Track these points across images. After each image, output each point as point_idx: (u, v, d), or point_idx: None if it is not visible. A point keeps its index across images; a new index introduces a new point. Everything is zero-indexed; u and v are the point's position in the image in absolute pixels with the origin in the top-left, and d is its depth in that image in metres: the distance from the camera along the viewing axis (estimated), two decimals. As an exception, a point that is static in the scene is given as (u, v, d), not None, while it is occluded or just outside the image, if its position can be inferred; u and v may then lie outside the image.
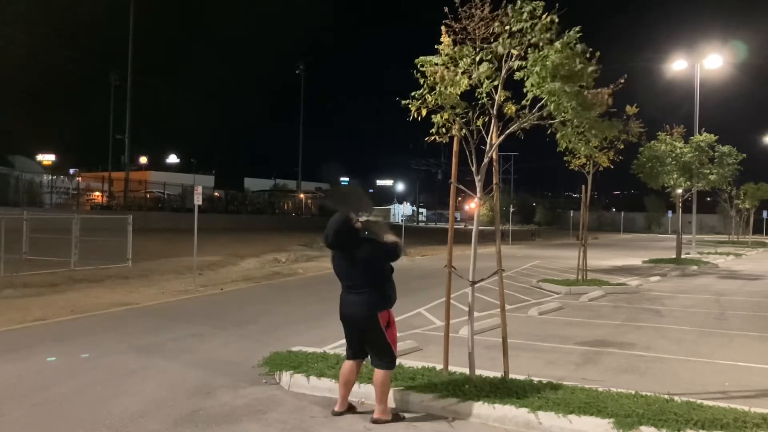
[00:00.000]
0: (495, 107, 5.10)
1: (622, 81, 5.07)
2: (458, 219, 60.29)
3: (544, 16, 4.71)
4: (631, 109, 11.32)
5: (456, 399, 4.77)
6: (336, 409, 4.77)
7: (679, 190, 20.25)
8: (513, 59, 4.89)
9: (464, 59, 5.02)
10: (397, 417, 4.67)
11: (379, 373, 4.61)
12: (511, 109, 5.13)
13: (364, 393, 5.00)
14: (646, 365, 6.51)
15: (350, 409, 4.81)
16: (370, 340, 4.64)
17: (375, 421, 4.57)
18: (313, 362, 5.66)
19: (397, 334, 4.85)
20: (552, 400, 4.62)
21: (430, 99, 5.15)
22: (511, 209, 44.31)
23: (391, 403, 4.83)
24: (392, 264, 4.74)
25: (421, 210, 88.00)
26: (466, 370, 5.24)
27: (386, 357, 4.61)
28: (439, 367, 5.46)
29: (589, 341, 7.72)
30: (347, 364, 4.79)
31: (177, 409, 4.88)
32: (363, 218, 4.64)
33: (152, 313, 9.41)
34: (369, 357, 4.74)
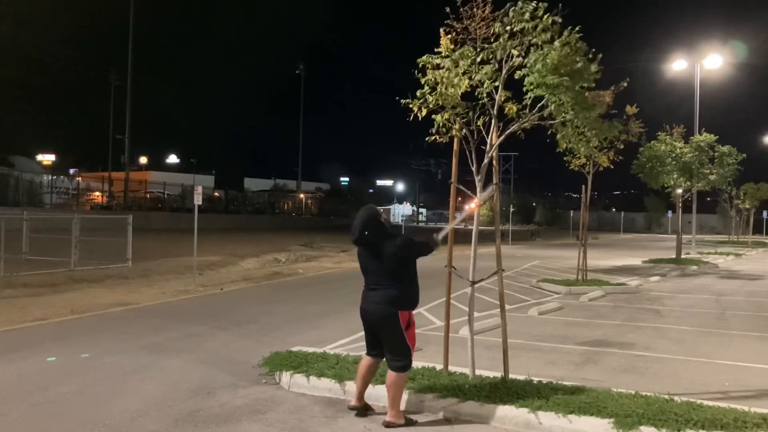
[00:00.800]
0: (495, 107, 5.10)
1: (625, 84, 5.06)
2: (458, 219, 60.08)
3: (545, 16, 4.71)
4: (631, 109, 11.34)
5: (456, 399, 4.76)
6: (352, 402, 4.76)
7: (679, 190, 20.26)
8: (513, 59, 4.89)
9: (465, 60, 5.02)
10: (409, 421, 4.57)
11: (392, 375, 4.49)
12: (511, 109, 5.13)
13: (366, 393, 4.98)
14: (646, 365, 6.51)
15: (365, 408, 4.74)
16: (387, 340, 4.51)
17: (387, 425, 4.48)
18: (313, 362, 5.66)
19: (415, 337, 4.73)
20: (552, 400, 4.62)
21: (431, 99, 5.15)
22: (511, 209, 44.32)
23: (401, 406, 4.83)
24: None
25: (421, 210, 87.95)
26: (466, 370, 5.24)
27: (402, 359, 4.48)
28: (439, 367, 5.46)
29: (589, 341, 7.72)
30: (365, 360, 4.75)
31: (177, 408, 4.88)
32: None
33: (152, 313, 9.41)
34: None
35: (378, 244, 4.52)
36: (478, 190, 5.21)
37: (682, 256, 21.16)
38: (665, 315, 9.98)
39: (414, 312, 4.67)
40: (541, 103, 4.91)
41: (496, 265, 5.30)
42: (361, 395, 4.75)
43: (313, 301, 10.90)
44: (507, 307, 5.77)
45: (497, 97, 5.07)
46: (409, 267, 4.58)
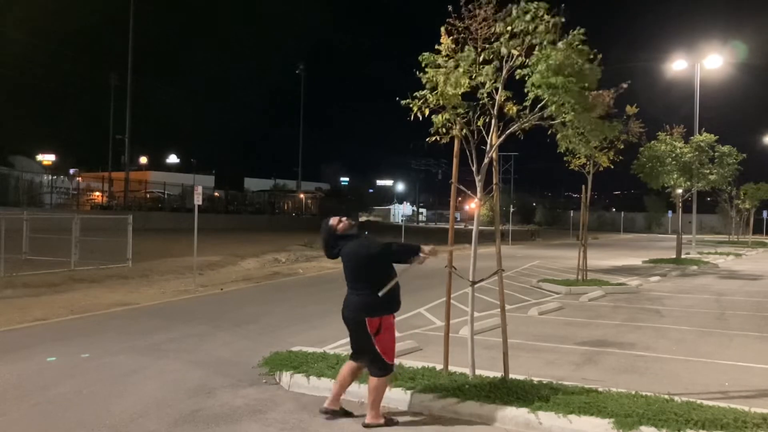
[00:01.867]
0: (496, 107, 5.10)
1: (625, 86, 5.06)
2: (458, 219, 60.28)
3: (547, 17, 4.70)
4: (631, 110, 11.34)
5: (456, 399, 4.77)
6: (324, 405, 4.68)
7: (679, 190, 20.26)
8: (514, 59, 4.89)
9: (466, 59, 5.02)
10: (389, 421, 4.57)
11: (372, 379, 4.55)
12: (512, 109, 5.13)
13: (364, 393, 4.97)
14: (646, 365, 6.51)
15: (344, 412, 4.70)
16: (358, 344, 4.60)
17: (366, 426, 4.51)
18: (313, 362, 5.66)
19: (396, 339, 4.72)
20: (552, 400, 4.63)
21: (431, 99, 5.15)
22: (511, 209, 44.32)
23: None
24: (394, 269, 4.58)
25: (421, 210, 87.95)
26: (467, 370, 5.24)
27: (375, 363, 4.51)
28: (439, 367, 5.46)
29: (589, 341, 7.72)
30: (346, 364, 4.76)
31: (177, 409, 4.88)
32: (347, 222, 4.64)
33: (152, 313, 9.41)
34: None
35: (347, 252, 4.59)
36: (478, 190, 5.21)
37: (682, 256, 21.17)
38: (665, 315, 9.98)
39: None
40: (542, 103, 4.90)
41: (496, 265, 5.30)
42: (336, 398, 4.70)
43: (313, 301, 10.90)
44: (507, 307, 5.77)
45: (497, 97, 5.07)
46: (384, 273, 4.50)
